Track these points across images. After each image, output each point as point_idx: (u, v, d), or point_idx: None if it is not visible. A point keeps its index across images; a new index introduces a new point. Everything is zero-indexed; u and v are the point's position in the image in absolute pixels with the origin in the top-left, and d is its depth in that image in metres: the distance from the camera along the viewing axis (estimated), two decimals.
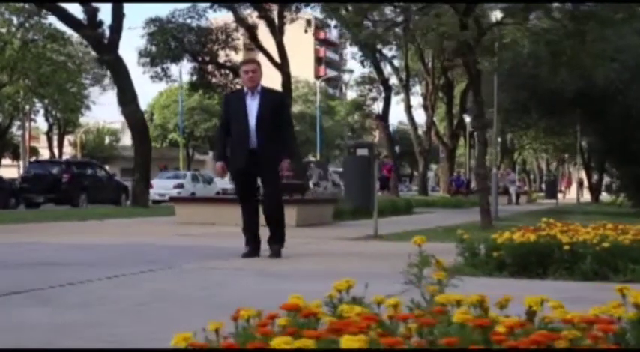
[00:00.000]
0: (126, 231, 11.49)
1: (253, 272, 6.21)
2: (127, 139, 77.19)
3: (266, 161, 7.19)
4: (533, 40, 13.15)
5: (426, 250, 2.85)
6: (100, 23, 19.91)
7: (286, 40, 28.64)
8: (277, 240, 7.35)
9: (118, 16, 19.75)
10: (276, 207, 7.40)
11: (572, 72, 14.81)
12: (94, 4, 19.92)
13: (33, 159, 46.30)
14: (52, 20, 60.79)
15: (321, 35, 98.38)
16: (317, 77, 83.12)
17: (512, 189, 29.15)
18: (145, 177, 20.39)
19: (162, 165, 52.46)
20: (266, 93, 7.34)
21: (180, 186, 32.21)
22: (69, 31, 49.21)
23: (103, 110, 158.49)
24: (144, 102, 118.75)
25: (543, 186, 52.28)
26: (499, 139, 61.26)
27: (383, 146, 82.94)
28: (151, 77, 27.84)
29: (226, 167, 7.42)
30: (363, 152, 9.86)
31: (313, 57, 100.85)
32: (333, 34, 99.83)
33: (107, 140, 65.62)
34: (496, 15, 14.42)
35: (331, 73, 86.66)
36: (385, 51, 38.75)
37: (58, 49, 47.26)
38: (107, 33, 19.97)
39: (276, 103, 7.35)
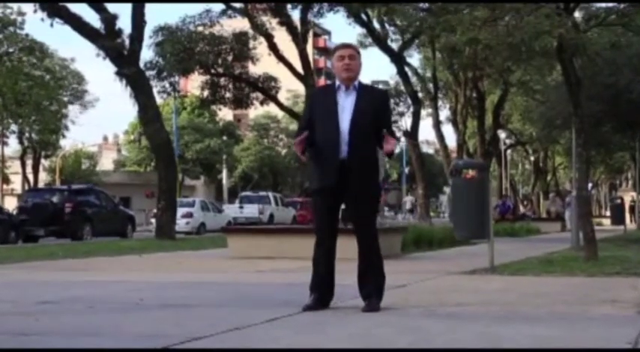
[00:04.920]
0: (196, 267, 11.49)
1: (425, 312, 6.10)
2: (106, 163, 77.05)
3: (360, 179, 6.06)
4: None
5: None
6: (120, 32, 19.86)
7: (281, 49, 28.65)
8: (378, 292, 6.18)
9: (138, 24, 19.69)
10: (377, 250, 6.22)
11: None
12: (112, 12, 19.86)
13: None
14: (29, 30, 60.76)
15: (321, 43, 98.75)
16: None
17: (567, 215, 29.11)
18: (171, 205, 20.23)
19: (148, 192, 52.32)
20: (365, 90, 6.27)
21: (190, 215, 32.05)
22: (47, 43, 49.53)
23: (80, 131, 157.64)
24: (126, 120, 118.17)
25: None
26: (532, 159, 61.67)
27: (394, 168, 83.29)
28: (158, 92, 27.68)
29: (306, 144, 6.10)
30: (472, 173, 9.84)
31: (313, 68, 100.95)
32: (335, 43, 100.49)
33: (86, 164, 65.29)
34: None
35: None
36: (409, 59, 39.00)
37: (34, 63, 47.21)
38: (127, 43, 19.92)
39: (377, 104, 6.21)
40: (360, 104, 6.10)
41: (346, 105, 6.12)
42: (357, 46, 6.44)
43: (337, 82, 6.25)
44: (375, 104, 6.17)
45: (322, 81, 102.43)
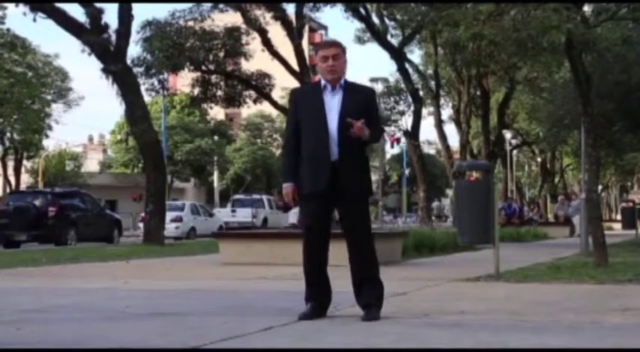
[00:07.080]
0: (186, 274, 11.52)
1: (427, 321, 6.10)
2: (92, 164, 77.00)
3: (352, 182, 6.19)
4: None
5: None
6: (106, 27, 19.87)
7: (276, 45, 28.63)
8: (377, 301, 6.23)
9: (125, 19, 19.70)
10: (372, 254, 6.27)
11: None
12: (98, 5, 19.85)
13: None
14: (10, 25, 60.56)
15: (317, 39, 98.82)
16: None
17: (575, 219, 29.09)
18: (159, 209, 20.22)
19: (136, 195, 52.27)
20: (351, 89, 6.37)
21: (179, 219, 32.05)
22: (29, 38, 49.38)
23: (64, 131, 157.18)
24: (112, 119, 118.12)
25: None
26: (539, 160, 61.73)
27: (394, 169, 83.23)
28: (147, 90, 27.64)
29: (298, 190, 6.30)
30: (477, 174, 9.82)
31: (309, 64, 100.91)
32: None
33: (70, 165, 65.19)
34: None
35: None
36: (410, 56, 39.02)
37: (16, 59, 47.17)
38: (113, 38, 19.93)
39: (364, 102, 6.33)
40: (348, 103, 6.25)
41: (333, 105, 6.27)
42: (340, 43, 6.46)
43: (323, 82, 6.36)
44: (362, 103, 6.31)
45: (318, 78, 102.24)
